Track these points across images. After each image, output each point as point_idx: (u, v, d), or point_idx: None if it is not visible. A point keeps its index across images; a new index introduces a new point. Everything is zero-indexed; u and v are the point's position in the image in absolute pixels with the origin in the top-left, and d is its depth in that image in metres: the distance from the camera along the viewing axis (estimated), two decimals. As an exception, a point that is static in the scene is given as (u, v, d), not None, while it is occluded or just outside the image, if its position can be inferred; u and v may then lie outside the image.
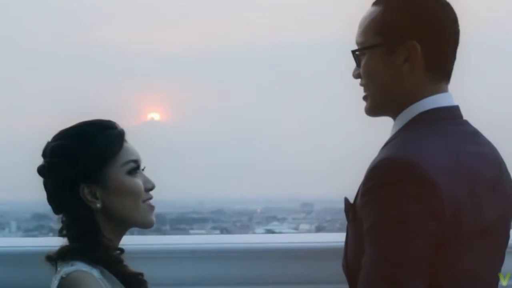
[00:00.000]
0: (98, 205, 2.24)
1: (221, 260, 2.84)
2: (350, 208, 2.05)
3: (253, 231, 15.35)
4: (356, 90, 2.14)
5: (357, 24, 2.14)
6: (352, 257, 2.03)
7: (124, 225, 2.33)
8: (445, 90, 2.09)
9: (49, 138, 2.33)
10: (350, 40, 2.14)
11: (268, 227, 15.50)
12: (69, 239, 2.25)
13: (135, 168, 2.30)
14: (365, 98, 2.14)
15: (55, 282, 2.15)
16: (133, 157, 2.30)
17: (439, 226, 1.86)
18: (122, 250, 2.30)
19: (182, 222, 17.31)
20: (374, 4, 2.11)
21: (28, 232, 13.35)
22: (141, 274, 2.28)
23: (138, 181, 2.30)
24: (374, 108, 2.14)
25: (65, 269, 2.15)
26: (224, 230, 15.51)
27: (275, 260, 2.79)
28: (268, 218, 17.37)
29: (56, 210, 2.31)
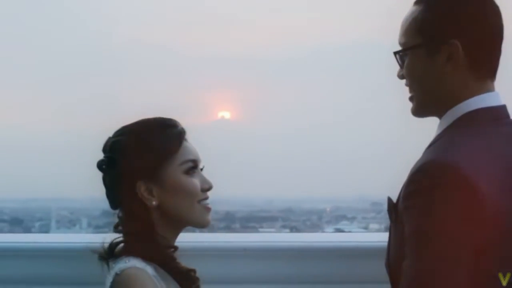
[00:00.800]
0: (154, 202, 2.24)
1: (293, 258, 2.87)
2: (393, 208, 2.03)
3: (322, 230, 15.30)
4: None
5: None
6: (393, 258, 2.02)
7: (179, 224, 2.32)
8: (491, 88, 2.05)
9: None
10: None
11: (338, 226, 15.46)
12: (124, 235, 2.25)
13: (192, 167, 2.29)
14: (411, 99, 2.12)
15: (109, 278, 2.15)
16: (191, 157, 2.29)
17: (481, 233, 1.83)
18: (175, 248, 2.29)
19: (252, 221, 17.40)
20: (416, 3, 2.08)
21: (98, 228, 13.63)
22: (194, 271, 2.29)
23: (195, 181, 2.29)
24: (420, 109, 2.11)
25: (119, 266, 2.14)
26: (294, 229, 15.55)
27: (345, 258, 2.81)
28: (338, 217, 17.33)
29: (113, 205, 2.32)
